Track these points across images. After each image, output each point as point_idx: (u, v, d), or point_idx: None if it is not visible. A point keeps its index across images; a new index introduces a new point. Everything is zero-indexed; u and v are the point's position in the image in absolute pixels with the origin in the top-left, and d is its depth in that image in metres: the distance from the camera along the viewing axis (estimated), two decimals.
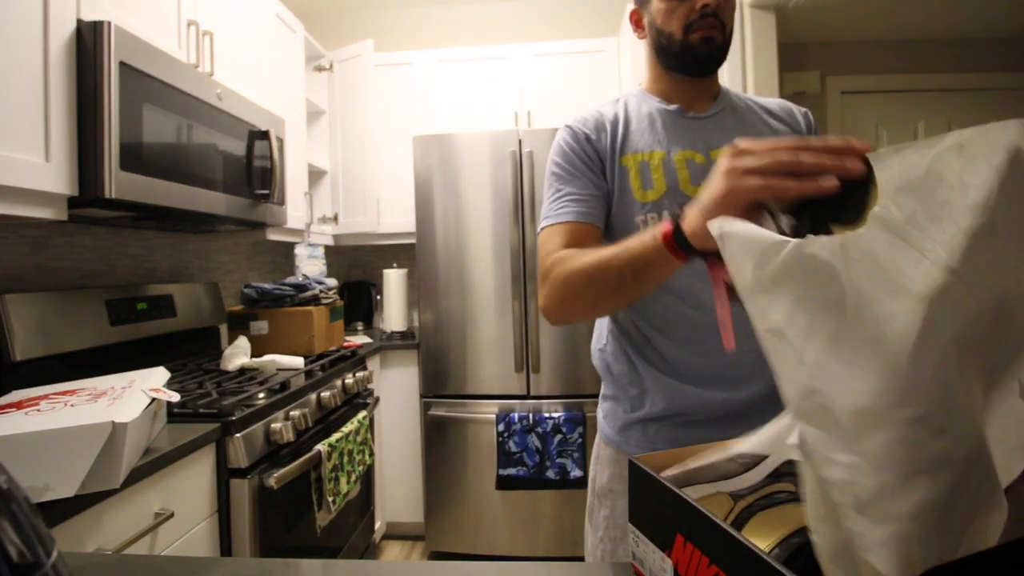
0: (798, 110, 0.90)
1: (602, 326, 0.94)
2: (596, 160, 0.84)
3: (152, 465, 0.92)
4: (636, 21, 0.88)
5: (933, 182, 0.31)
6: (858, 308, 0.31)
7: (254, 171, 1.69)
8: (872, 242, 0.32)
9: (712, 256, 0.50)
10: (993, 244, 0.30)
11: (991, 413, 0.32)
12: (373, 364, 2.19)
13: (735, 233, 0.38)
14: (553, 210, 0.82)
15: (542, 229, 0.83)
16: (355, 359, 1.91)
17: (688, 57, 0.81)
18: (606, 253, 0.67)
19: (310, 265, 2.15)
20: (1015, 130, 0.31)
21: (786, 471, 0.48)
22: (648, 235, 0.59)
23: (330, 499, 1.43)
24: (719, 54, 0.81)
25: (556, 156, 0.86)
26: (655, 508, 0.45)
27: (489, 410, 2.14)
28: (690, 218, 0.53)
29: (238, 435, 1.14)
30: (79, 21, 1.13)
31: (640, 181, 0.81)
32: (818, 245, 0.33)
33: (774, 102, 0.91)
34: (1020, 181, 0.30)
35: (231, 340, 1.70)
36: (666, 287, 0.80)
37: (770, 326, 0.34)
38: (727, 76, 2.23)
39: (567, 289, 0.73)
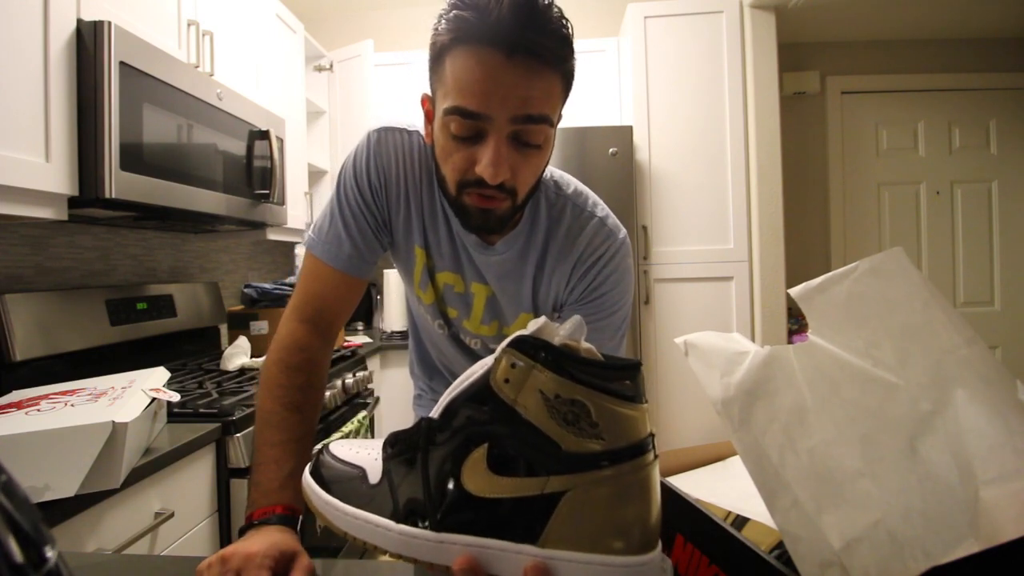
0: (598, 262, 0.73)
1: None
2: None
3: (152, 465, 0.92)
4: (427, 112, 0.66)
5: (856, 302, 0.37)
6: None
7: (254, 171, 1.69)
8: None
9: None
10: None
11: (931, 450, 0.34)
12: (373, 364, 2.18)
13: (698, 344, 0.41)
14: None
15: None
16: (355, 359, 1.91)
17: (462, 216, 0.66)
18: (269, 422, 0.64)
19: None
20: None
21: None
22: (256, 491, 0.59)
23: None
24: (502, 223, 0.65)
25: None
26: None
27: None
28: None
29: (238, 435, 1.14)
30: (79, 21, 1.13)
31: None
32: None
33: (583, 241, 0.73)
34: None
35: (231, 340, 1.70)
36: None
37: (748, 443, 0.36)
38: (727, 78, 2.23)
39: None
